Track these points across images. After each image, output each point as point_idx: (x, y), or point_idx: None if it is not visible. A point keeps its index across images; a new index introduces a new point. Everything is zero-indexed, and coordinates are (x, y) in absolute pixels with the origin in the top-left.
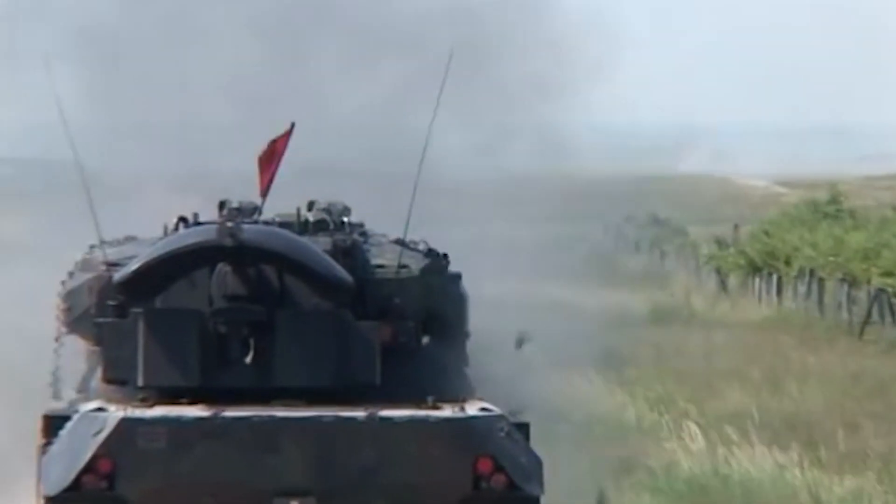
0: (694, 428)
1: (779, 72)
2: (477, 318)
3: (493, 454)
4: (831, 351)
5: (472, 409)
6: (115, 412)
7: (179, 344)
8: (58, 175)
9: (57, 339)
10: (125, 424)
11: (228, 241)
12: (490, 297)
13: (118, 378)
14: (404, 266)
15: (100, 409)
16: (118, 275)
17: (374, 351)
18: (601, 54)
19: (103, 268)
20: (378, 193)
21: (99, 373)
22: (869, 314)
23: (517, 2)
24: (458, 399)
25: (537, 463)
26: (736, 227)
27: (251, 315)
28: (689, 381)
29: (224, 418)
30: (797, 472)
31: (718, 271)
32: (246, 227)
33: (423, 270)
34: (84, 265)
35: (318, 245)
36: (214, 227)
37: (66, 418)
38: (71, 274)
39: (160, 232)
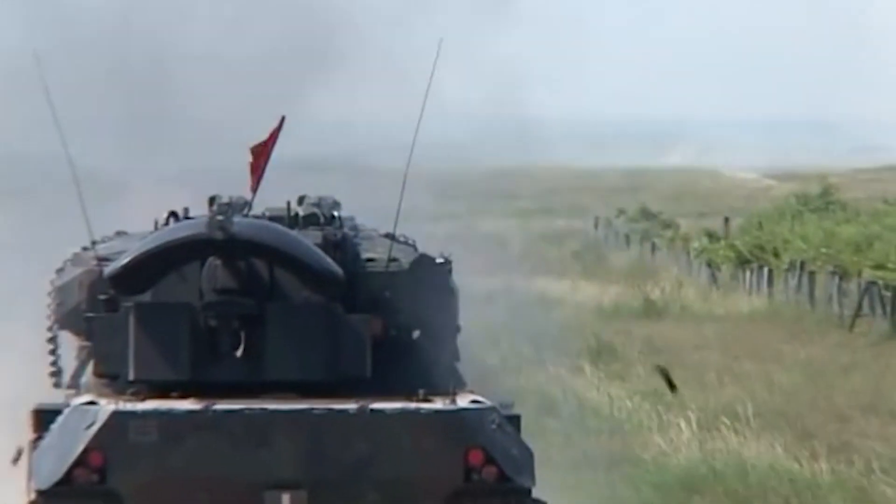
0: (685, 421)
1: (760, 66)
2: (467, 312)
3: (485, 446)
4: (822, 344)
5: (464, 401)
6: (107, 405)
7: (170, 338)
8: (48, 171)
9: (50, 330)
10: (117, 418)
11: (219, 235)
12: (481, 291)
13: (109, 372)
14: (394, 260)
15: (91, 403)
16: (109, 269)
17: (365, 344)
18: (587, 48)
19: (94, 262)
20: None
21: (90, 367)
22: (860, 307)
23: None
24: (449, 392)
25: (529, 455)
26: (726, 220)
27: (242, 308)
28: (679, 374)
29: (215, 411)
30: (788, 463)
31: (709, 264)
32: (236, 220)
33: (414, 264)
34: (75, 260)
35: (309, 239)
36: (205, 220)
37: (57, 412)
38: (61, 269)
39: (151, 227)
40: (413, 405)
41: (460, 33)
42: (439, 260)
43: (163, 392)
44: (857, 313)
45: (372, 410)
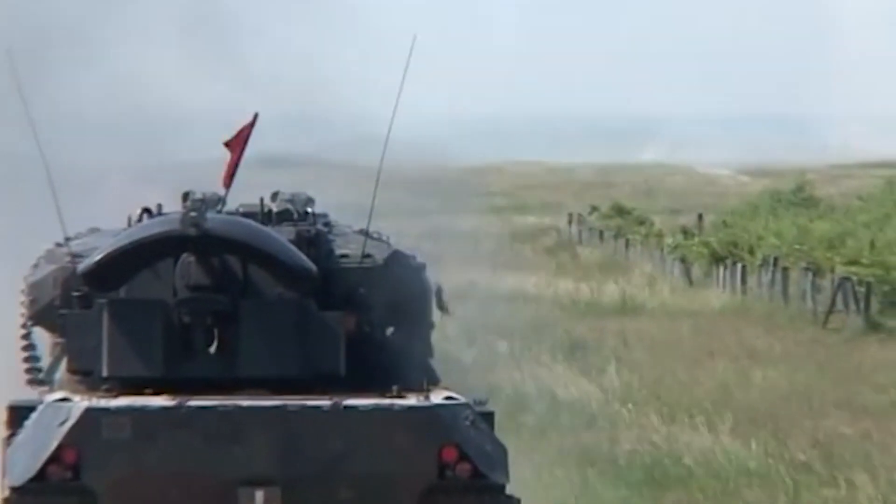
0: (658, 417)
1: (723, 62)
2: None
3: (459, 443)
4: (796, 340)
5: (437, 397)
6: (80, 402)
7: (144, 334)
8: (21, 168)
9: (24, 327)
10: (90, 414)
11: (192, 231)
12: (453, 288)
13: (82, 369)
14: (368, 256)
15: (64, 400)
16: (82, 265)
17: (339, 340)
18: (557, 45)
19: (67, 259)
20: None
21: (63, 364)
22: (833, 303)
23: None
24: (423, 388)
25: (502, 451)
26: (700, 216)
27: (215, 305)
28: (652, 369)
29: (189, 408)
30: (761, 459)
31: (683, 261)
32: (209, 216)
33: (388, 260)
34: (48, 257)
35: (282, 235)
36: (178, 217)
37: (31, 409)
38: (35, 266)
39: (124, 223)
40: (387, 402)
41: (435, 30)
42: (413, 256)
43: (136, 389)
44: (831, 309)
45: (346, 407)
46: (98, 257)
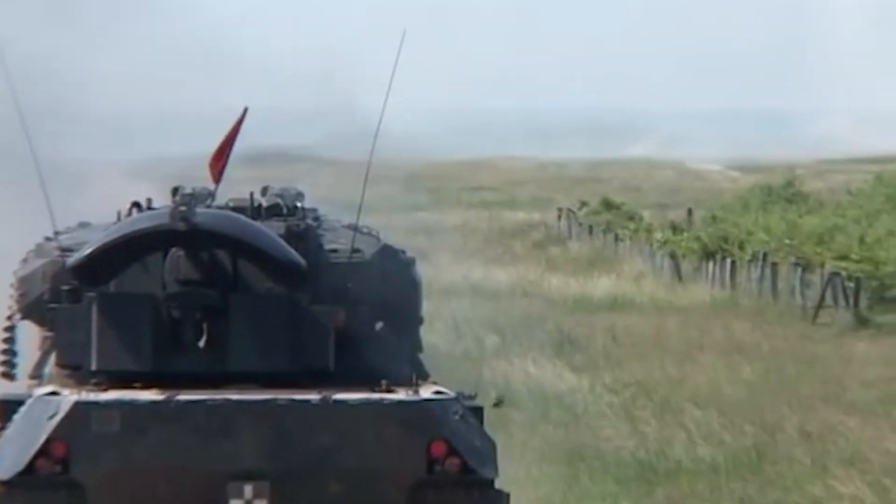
0: (647, 412)
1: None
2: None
3: (448, 437)
4: (785, 335)
5: (427, 392)
6: (69, 396)
7: (133, 328)
8: (10, 162)
9: (9, 320)
10: (79, 408)
11: (181, 226)
12: (443, 283)
13: (72, 362)
14: (358, 251)
15: (54, 393)
16: (72, 260)
17: (328, 335)
18: (545, 40)
19: (57, 253)
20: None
21: (52, 358)
22: (822, 298)
23: None
24: (412, 383)
25: (491, 446)
26: (690, 211)
27: (204, 299)
28: (642, 364)
29: (178, 402)
30: (751, 455)
31: (672, 256)
32: (199, 211)
33: (377, 255)
34: (38, 251)
35: (272, 229)
36: (167, 211)
37: (20, 402)
38: (25, 260)
39: (114, 217)
40: (376, 396)
41: (425, 26)
42: (402, 251)
43: (125, 382)
44: (820, 305)
45: (335, 401)
46: (87, 251)
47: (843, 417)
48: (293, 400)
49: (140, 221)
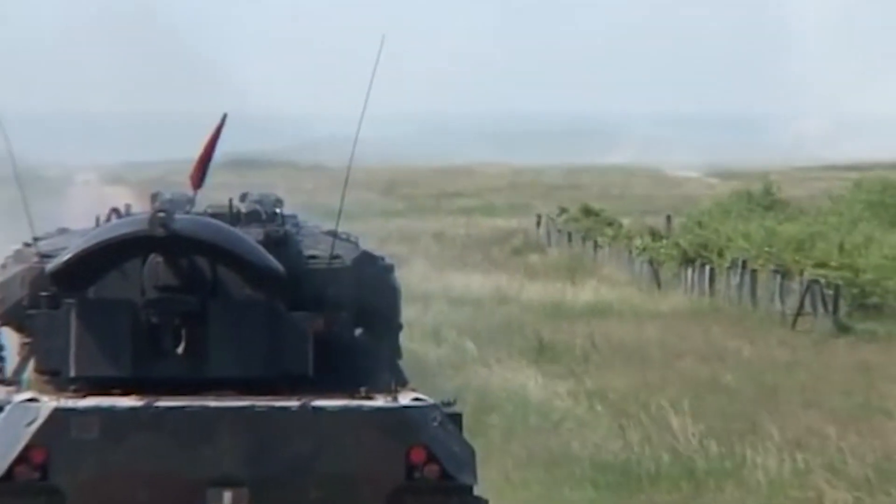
0: (627, 419)
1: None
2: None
3: (427, 444)
4: (765, 342)
5: (406, 399)
6: (48, 402)
7: (112, 334)
8: None
9: None
10: (58, 414)
11: (160, 232)
12: (422, 290)
13: (50, 369)
14: (337, 257)
15: (32, 400)
16: (51, 265)
17: (307, 341)
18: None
19: (36, 259)
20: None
21: (31, 364)
22: (802, 305)
23: None
24: (391, 389)
25: (470, 453)
26: (669, 218)
27: (183, 305)
28: (621, 371)
29: (157, 408)
30: (731, 460)
31: (651, 263)
32: (177, 217)
33: (356, 261)
34: (17, 256)
35: (251, 236)
36: (146, 217)
37: None
38: (3, 265)
39: (92, 223)
40: (355, 403)
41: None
42: (381, 257)
43: (104, 389)
44: (799, 311)
45: (314, 408)
46: (66, 257)
47: (823, 424)
48: (272, 407)
49: (119, 227)
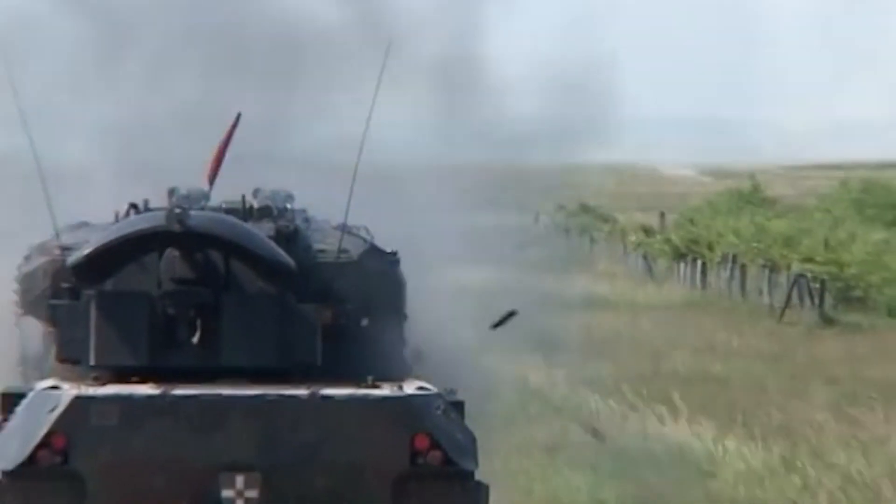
0: (622, 406)
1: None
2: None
3: (430, 431)
4: (753, 333)
5: (410, 388)
6: (69, 390)
7: (130, 325)
8: (14, 165)
9: (15, 322)
10: (78, 402)
11: (176, 227)
12: (429, 282)
13: (71, 357)
14: (345, 251)
15: (54, 388)
16: (72, 259)
17: (316, 332)
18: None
19: (58, 252)
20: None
21: (53, 352)
22: (789, 298)
23: None
24: (397, 378)
25: (472, 439)
26: (662, 214)
27: (198, 298)
28: (617, 361)
29: (173, 396)
30: (720, 445)
31: (645, 257)
32: (193, 213)
33: (363, 255)
34: (39, 249)
35: (262, 230)
36: (163, 213)
37: (22, 396)
38: (27, 258)
39: (112, 218)
40: (361, 391)
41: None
42: (388, 252)
43: (122, 377)
44: (787, 304)
45: (322, 396)
46: (86, 251)
47: (810, 412)
48: (282, 395)
49: (137, 222)
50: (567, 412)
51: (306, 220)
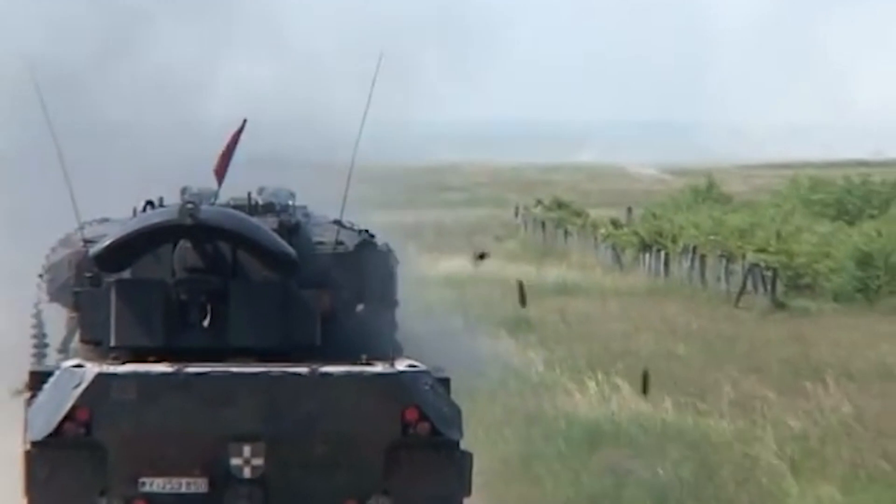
0: (592, 382)
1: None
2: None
3: (419, 405)
4: (711, 317)
5: (401, 365)
6: (92, 368)
7: (146, 310)
8: (41, 164)
9: (36, 308)
10: (101, 378)
11: (188, 221)
12: (417, 272)
13: (93, 339)
14: (341, 243)
15: (78, 366)
16: (94, 250)
17: (315, 316)
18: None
19: (81, 244)
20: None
21: (77, 335)
22: (744, 285)
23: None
24: (389, 357)
25: (457, 412)
26: (629, 209)
27: (208, 285)
28: (588, 341)
29: (186, 373)
30: (681, 419)
31: (614, 248)
32: (203, 208)
33: (357, 247)
34: (65, 241)
35: (267, 224)
36: (176, 208)
37: (50, 374)
38: (53, 249)
39: (130, 213)
40: (357, 369)
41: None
42: (380, 243)
43: (140, 356)
44: (742, 291)
45: (321, 373)
46: (107, 243)
47: (763, 388)
48: (285, 372)
49: (153, 217)
50: (543, 388)
51: (306, 215)
